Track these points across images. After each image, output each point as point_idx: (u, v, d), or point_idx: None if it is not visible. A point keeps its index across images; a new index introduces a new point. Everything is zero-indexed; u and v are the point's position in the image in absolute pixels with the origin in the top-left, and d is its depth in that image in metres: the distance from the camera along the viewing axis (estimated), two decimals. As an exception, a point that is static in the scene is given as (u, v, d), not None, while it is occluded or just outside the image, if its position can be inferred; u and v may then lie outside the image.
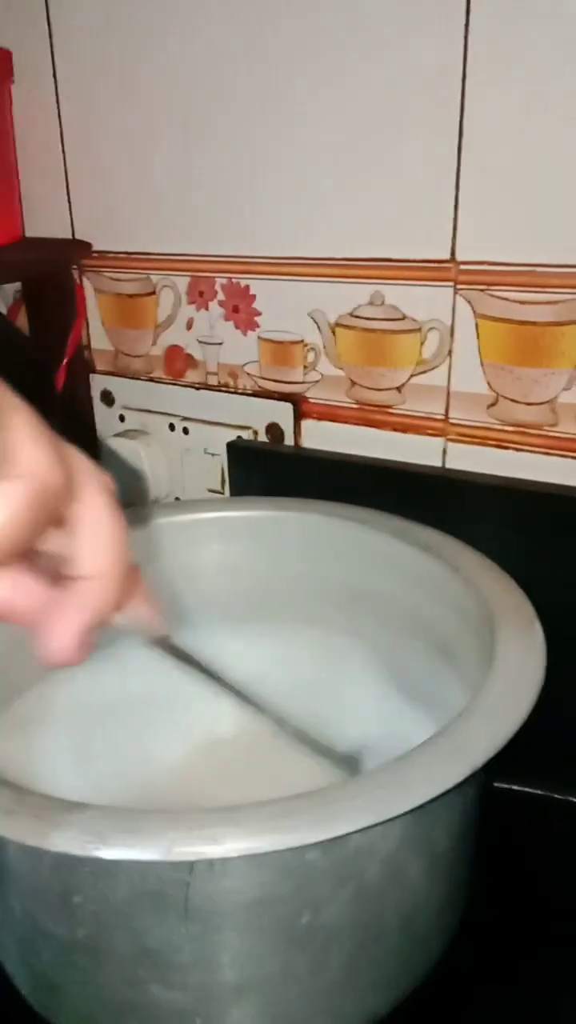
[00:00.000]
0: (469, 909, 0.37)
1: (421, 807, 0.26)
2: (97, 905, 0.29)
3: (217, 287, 0.58)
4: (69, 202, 0.62)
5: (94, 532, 0.25)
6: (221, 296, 0.58)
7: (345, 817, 0.25)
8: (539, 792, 0.50)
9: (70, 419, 0.67)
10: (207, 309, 0.59)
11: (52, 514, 0.24)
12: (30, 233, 0.63)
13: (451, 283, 0.49)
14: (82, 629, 0.24)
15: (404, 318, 0.52)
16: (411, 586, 0.46)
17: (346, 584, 0.49)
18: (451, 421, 0.53)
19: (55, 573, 0.25)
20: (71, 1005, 0.32)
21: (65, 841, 0.25)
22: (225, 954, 0.29)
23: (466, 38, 0.44)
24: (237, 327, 0.59)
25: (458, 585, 0.42)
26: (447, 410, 0.52)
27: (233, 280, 0.57)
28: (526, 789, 0.50)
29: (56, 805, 0.26)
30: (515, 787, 0.50)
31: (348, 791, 0.26)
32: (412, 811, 0.26)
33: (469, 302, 0.49)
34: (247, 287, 0.57)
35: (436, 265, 0.50)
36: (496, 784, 0.49)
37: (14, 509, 0.22)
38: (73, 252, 0.62)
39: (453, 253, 0.49)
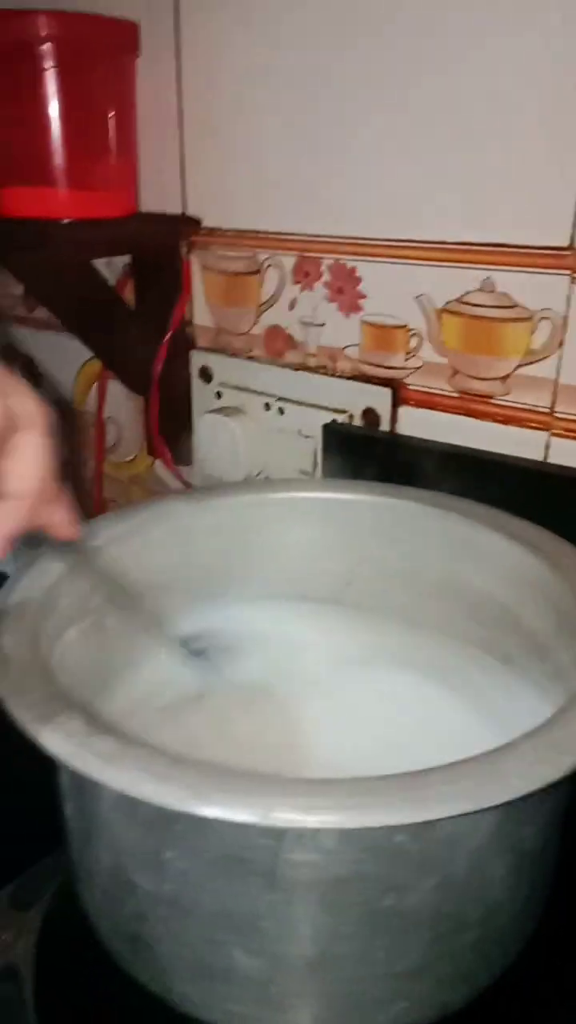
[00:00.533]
0: (545, 914, 0.36)
1: (516, 801, 0.26)
2: (186, 863, 0.29)
3: (323, 268, 0.58)
4: (183, 178, 0.63)
5: (24, 460, 0.31)
6: (327, 277, 0.58)
7: (442, 801, 0.25)
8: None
9: (165, 392, 0.68)
10: (311, 290, 0.59)
11: None
12: (143, 208, 0.64)
13: (568, 271, 0.48)
14: (4, 537, 0.31)
15: (515, 306, 0.51)
16: (505, 581, 0.45)
17: (437, 574, 0.48)
18: (557, 415, 0.51)
19: None
20: (150, 959, 0.33)
21: (166, 794, 0.25)
22: (306, 926, 0.29)
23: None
24: (340, 309, 0.58)
25: (557, 583, 0.41)
26: (553, 403, 0.51)
27: (340, 261, 0.57)
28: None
29: (160, 758, 0.26)
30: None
31: (447, 775, 0.26)
32: (506, 804, 0.25)
33: (586, 292, 0.48)
34: (353, 269, 0.57)
35: (553, 252, 0.48)
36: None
37: None
38: (183, 228, 0.63)
39: (572, 240, 0.47)
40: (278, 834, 0.27)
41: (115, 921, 0.34)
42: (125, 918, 0.33)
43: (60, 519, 0.33)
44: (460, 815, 0.25)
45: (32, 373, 0.78)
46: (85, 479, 0.80)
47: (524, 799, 0.26)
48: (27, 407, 0.31)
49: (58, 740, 0.28)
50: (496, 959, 0.33)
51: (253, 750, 0.41)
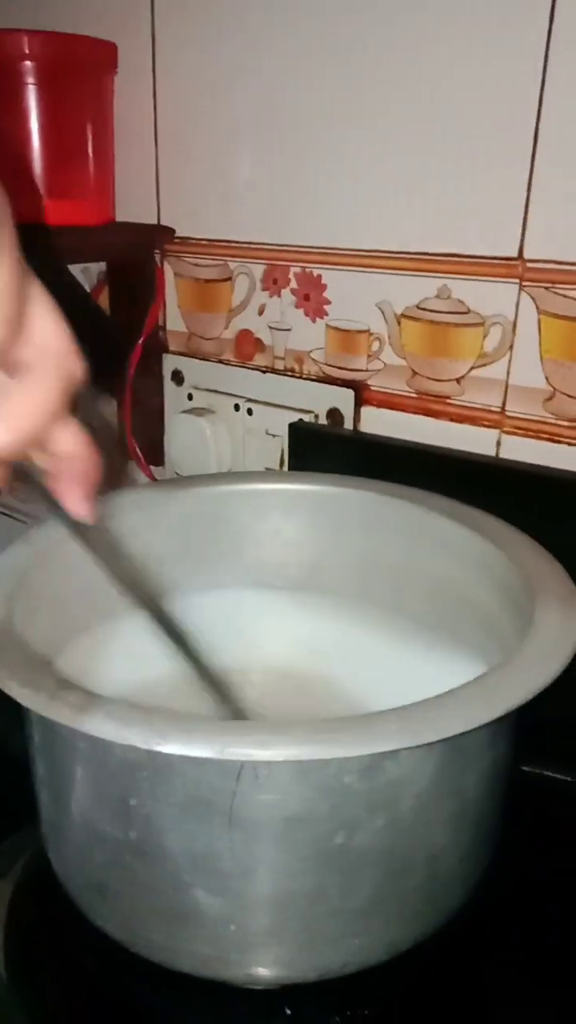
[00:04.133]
0: (492, 870, 0.39)
1: (455, 739, 0.28)
2: (151, 808, 0.31)
3: (291, 275, 0.61)
4: (157, 189, 0.66)
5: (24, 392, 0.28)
6: (294, 284, 0.61)
7: (384, 738, 0.28)
8: (569, 780, 0.52)
9: (138, 395, 0.70)
10: (279, 296, 0.62)
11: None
12: (119, 217, 0.67)
13: (517, 280, 0.51)
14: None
15: (469, 312, 0.54)
16: (459, 563, 0.48)
17: (397, 559, 0.51)
18: (507, 414, 0.54)
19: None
20: (119, 908, 0.35)
21: (132, 735, 0.27)
22: (263, 865, 0.31)
23: (548, 42, 0.46)
24: (307, 315, 0.61)
25: (503, 562, 0.44)
26: (504, 403, 0.54)
27: (307, 269, 0.60)
28: (557, 776, 0.52)
29: (124, 706, 0.29)
30: (547, 773, 0.52)
31: (389, 717, 0.28)
32: (445, 741, 0.28)
33: (533, 299, 0.51)
34: (319, 276, 0.60)
35: (503, 262, 0.52)
36: (525, 768, 0.50)
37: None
38: (157, 237, 0.66)
39: (521, 251, 0.51)
40: (233, 774, 0.29)
41: (84, 875, 0.36)
42: (94, 869, 0.35)
43: (72, 491, 0.31)
44: (401, 749, 0.28)
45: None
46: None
47: (463, 741, 0.29)
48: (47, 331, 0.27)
49: (29, 694, 0.30)
50: (442, 904, 0.36)
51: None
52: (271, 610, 0.52)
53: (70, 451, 0.30)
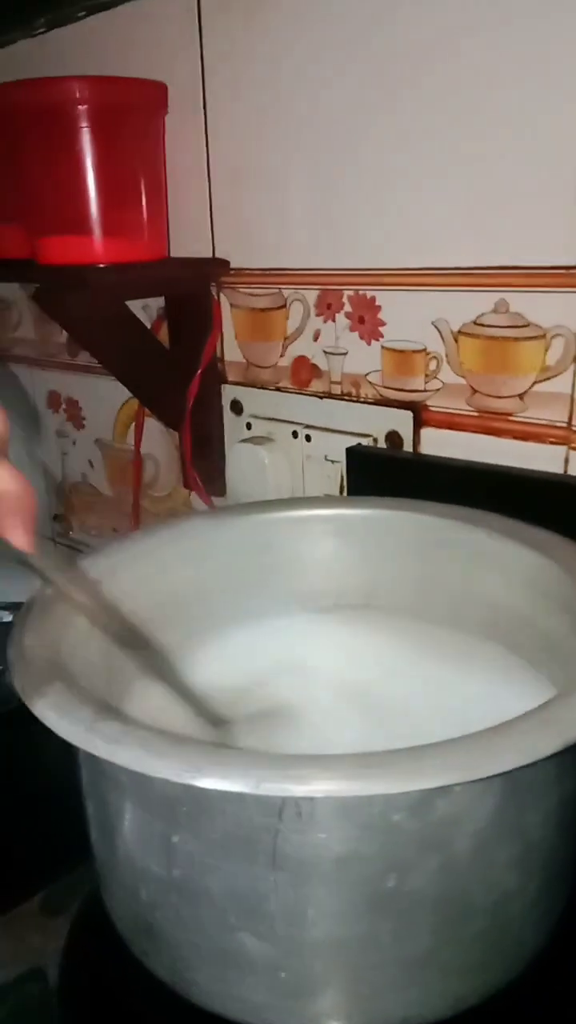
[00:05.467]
0: (569, 918, 0.36)
1: (514, 773, 0.26)
2: (193, 845, 0.30)
3: (344, 299, 0.61)
4: (212, 223, 0.67)
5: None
6: (348, 308, 0.61)
7: (430, 773, 0.26)
8: None
9: (198, 426, 0.70)
10: (334, 321, 0.62)
11: None
12: (174, 252, 0.68)
13: (576, 288, 0.49)
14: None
15: (528, 325, 0.52)
16: (522, 587, 0.45)
17: (455, 582, 0.49)
18: (575, 429, 0.52)
19: None
20: (166, 950, 0.34)
21: (163, 768, 0.26)
22: (311, 907, 0.30)
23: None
24: (362, 337, 0.61)
25: (570, 585, 0.41)
26: (571, 418, 0.52)
27: (360, 292, 0.60)
28: None
29: (160, 737, 0.28)
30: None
31: (438, 750, 0.27)
32: (503, 776, 0.26)
33: (595, 307, 0.49)
34: (373, 298, 0.59)
35: (563, 271, 0.50)
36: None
37: None
38: (213, 269, 0.66)
39: (579, 258, 0.49)
40: (275, 811, 0.28)
41: (133, 914, 0.35)
42: (141, 909, 0.34)
43: (13, 525, 0.32)
44: (449, 786, 0.26)
45: None
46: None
47: (524, 776, 0.27)
48: None
49: (65, 725, 0.29)
50: (510, 953, 0.33)
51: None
52: (328, 637, 0.51)
53: (5, 488, 0.32)
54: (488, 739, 0.27)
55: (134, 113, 0.60)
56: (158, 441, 0.79)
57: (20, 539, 0.32)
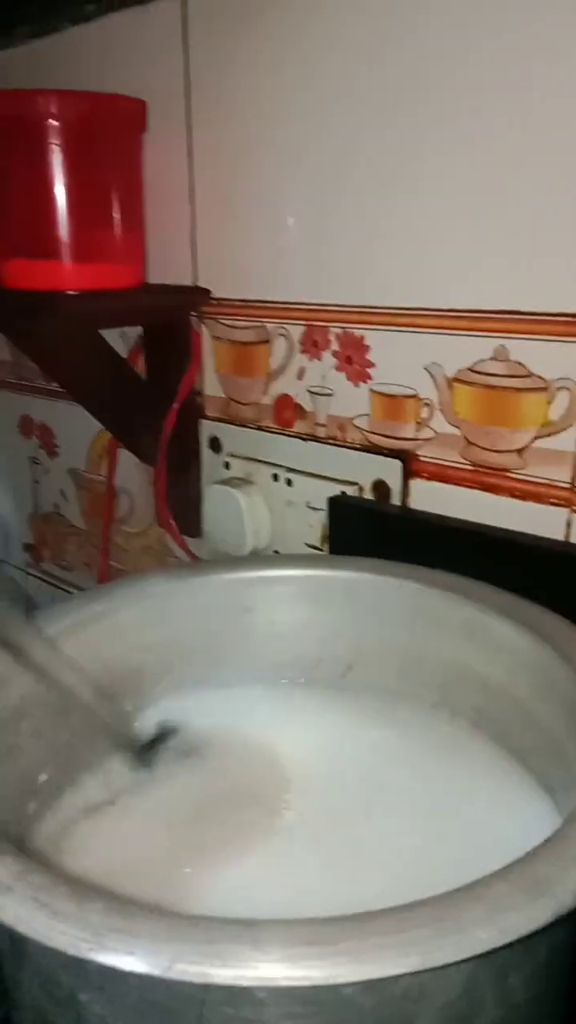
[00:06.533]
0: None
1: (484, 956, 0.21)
2: (104, 1008, 0.25)
3: (331, 337, 0.56)
4: (193, 250, 0.62)
5: None
6: (335, 346, 0.56)
7: (384, 957, 0.21)
8: None
9: (174, 462, 0.66)
10: (319, 359, 0.57)
11: None
12: (153, 278, 0.64)
13: (584, 338, 0.45)
14: None
15: (530, 375, 0.47)
16: (518, 673, 0.40)
17: (443, 660, 0.44)
18: (577, 490, 0.47)
19: None
20: None
21: (56, 936, 0.21)
22: None
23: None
24: (349, 378, 0.56)
25: (572, 677, 0.37)
26: (574, 478, 0.47)
27: (348, 330, 0.55)
28: None
29: (60, 889, 0.23)
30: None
31: (395, 922, 0.21)
32: (470, 960, 0.21)
33: (604, 359, 0.44)
34: (362, 337, 0.54)
35: (570, 319, 0.45)
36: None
37: None
38: (193, 298, 0.62)
39: (588, 305, 0.44)
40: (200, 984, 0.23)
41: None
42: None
43: None
44: (409, 973, 0.21)
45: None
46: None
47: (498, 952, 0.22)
48: None
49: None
50: None
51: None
52: (299, 715, 0.46)
53: None
54: (455, 908, 0.22)
55: (110, 130, 0.55)
56: (133, 475, 0.74)
57: None
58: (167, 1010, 0.24)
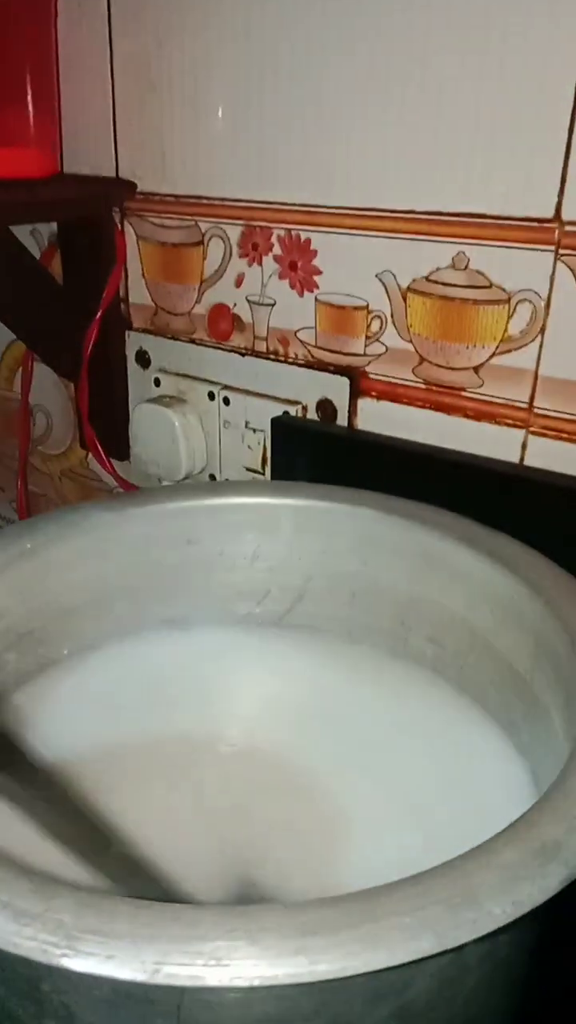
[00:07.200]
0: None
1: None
2: (69, 998, 0.23)
3: (273, 239, 0.51)
4: (115, 136, 0.55)
5: None
6: (277, 250, 0.51)
7: (394, 944, 0.19)
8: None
9: (97, 378, 0.60)
10: (260, 264, 0.52)
11: None
12: (69, 169, 0.57)
13: (552, 247, 0.42)
14: None
15: (491, 286, 0.44)
16: (477, 602, 0.39)
17: (399, 591, 0.42)
18: (536, 411, 0.45)
19: None
20: None
21: (24, 942, 0.18)
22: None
23: None
24: (292, 287, 0.51)
25: (536, 606, 0.35)
26: (532, 398, 0.45)
27: (292, 232, 0.50)
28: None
29: (24, 888, 0.20)
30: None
31: (397, 903, 0.19)
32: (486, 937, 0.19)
33: (572, 270, 0.41)
34: (308, 241, 0.50)
35: (536, 225, 0.42)
36: None
37: None
38: (115, 192, 0.55)
39: (559, 211, 0.41)
40: (177, 991, 0.20)
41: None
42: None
43: None
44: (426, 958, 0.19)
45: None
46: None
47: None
48: None
49: None
50: None
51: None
52: (246, 654, 0.43)
53: None
54: (465, 879, 0.20)
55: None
56: (50, 392, 0.68)
57: None
58: (143, 1001, 0.22)
